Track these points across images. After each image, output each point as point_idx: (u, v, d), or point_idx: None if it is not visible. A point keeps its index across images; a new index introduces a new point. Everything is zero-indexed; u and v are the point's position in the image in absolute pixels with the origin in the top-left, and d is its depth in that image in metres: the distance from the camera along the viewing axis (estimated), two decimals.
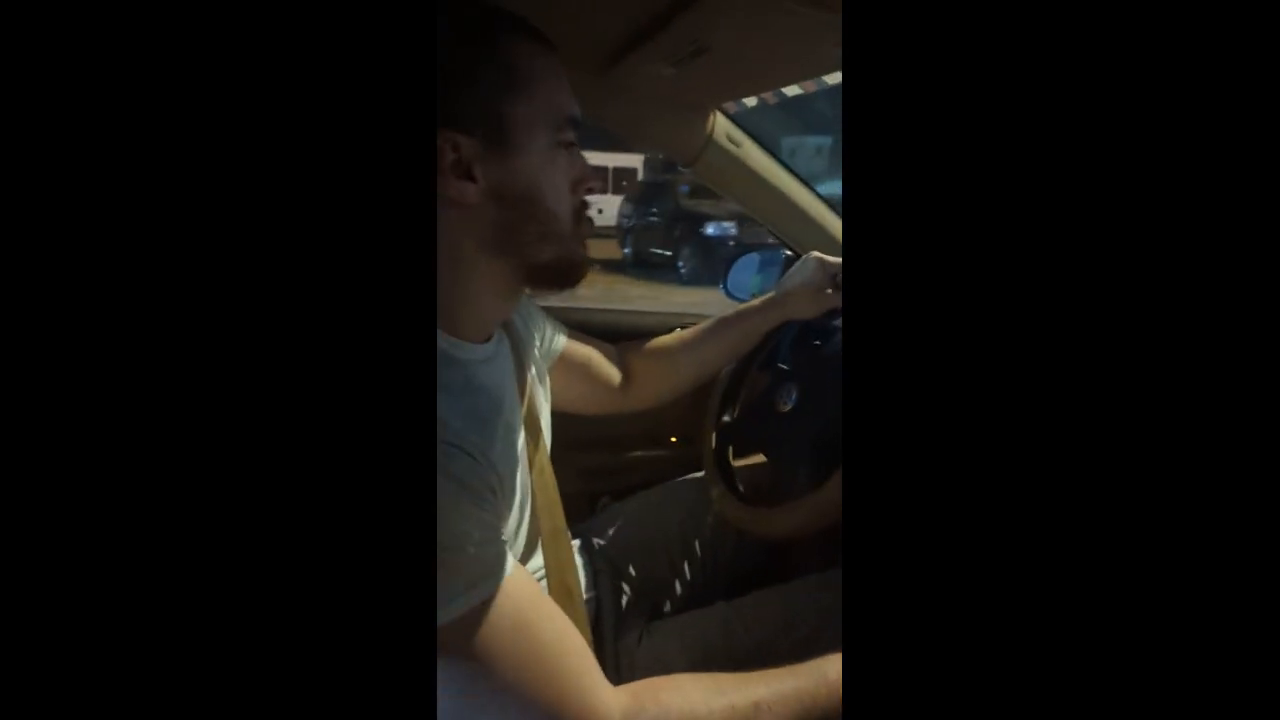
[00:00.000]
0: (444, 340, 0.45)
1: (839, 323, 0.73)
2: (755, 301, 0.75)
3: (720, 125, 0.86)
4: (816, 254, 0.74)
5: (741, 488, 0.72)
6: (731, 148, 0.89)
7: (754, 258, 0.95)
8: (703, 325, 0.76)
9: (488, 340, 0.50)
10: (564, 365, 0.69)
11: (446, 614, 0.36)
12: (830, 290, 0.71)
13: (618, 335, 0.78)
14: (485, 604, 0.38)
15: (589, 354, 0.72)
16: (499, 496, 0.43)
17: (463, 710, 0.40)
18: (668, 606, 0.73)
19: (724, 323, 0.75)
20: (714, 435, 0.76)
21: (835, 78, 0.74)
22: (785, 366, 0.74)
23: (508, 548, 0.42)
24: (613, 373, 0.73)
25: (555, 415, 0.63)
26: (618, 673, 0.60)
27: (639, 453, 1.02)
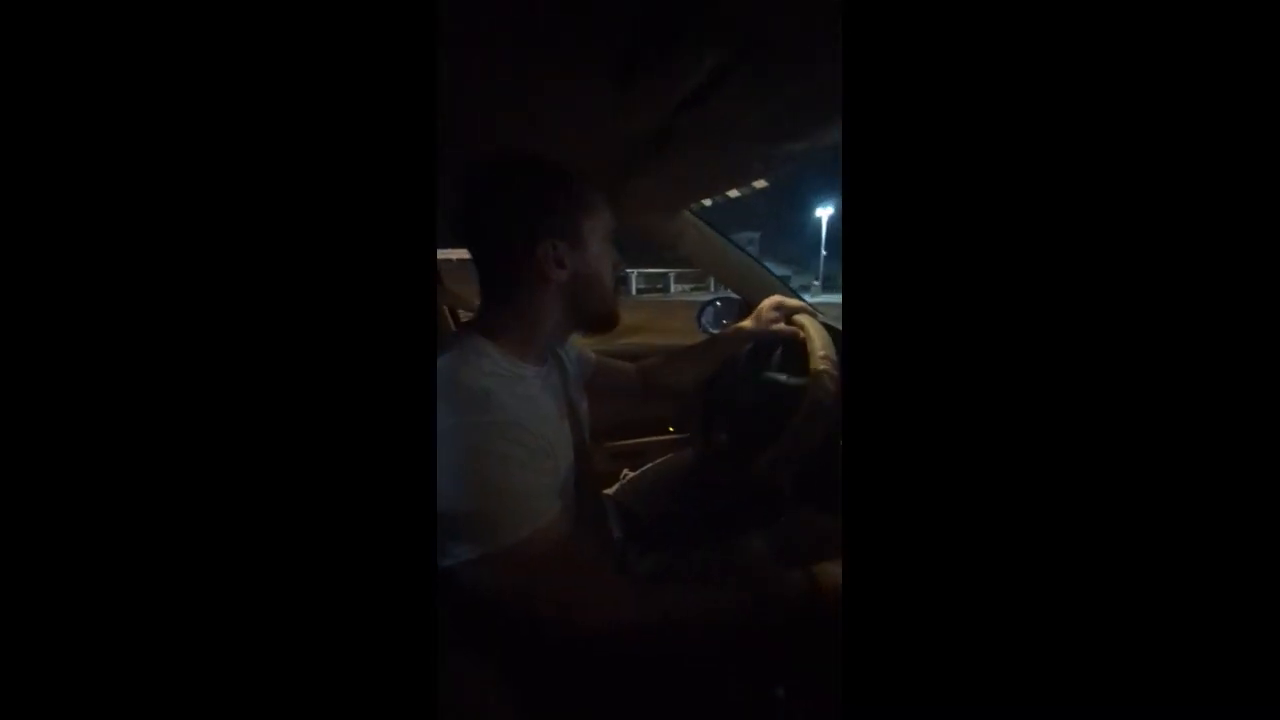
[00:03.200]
0: (515, 364, 0.61)
1: (781, 345, 0.98)
2: (731, 328, 0.99)
3: (689, 219, 1.23)
4: (777, 296, 0.98)
5: (716, 448, 1.00)
6: (697, 234, 1.24)
7: (718, 302, 1.29)
8: (698, 344, 1.02)
9: (544, 365, 0.67)
10: (601, 375, 0.93)
11: (517, 535, 0.49)
12: (781, 321, 0.94)
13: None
14: (545, 527, 0.51)
15: (617, 366, 0.99)
16: (553, 463, 0.57)
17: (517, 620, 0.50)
18: (672, 538, 0.91)
19: (713, 341, 1.01)
20: (701, 419, 1.06)
21: (760, 183, 0.99)
22: (744, 374, 1.03)
23: (560, 500, 0.56)
24: (635, 376, 1.01)
25: (599, 412, 0.83)
26: (634, 588, 0.68)
27: (648, 439, 1.33)
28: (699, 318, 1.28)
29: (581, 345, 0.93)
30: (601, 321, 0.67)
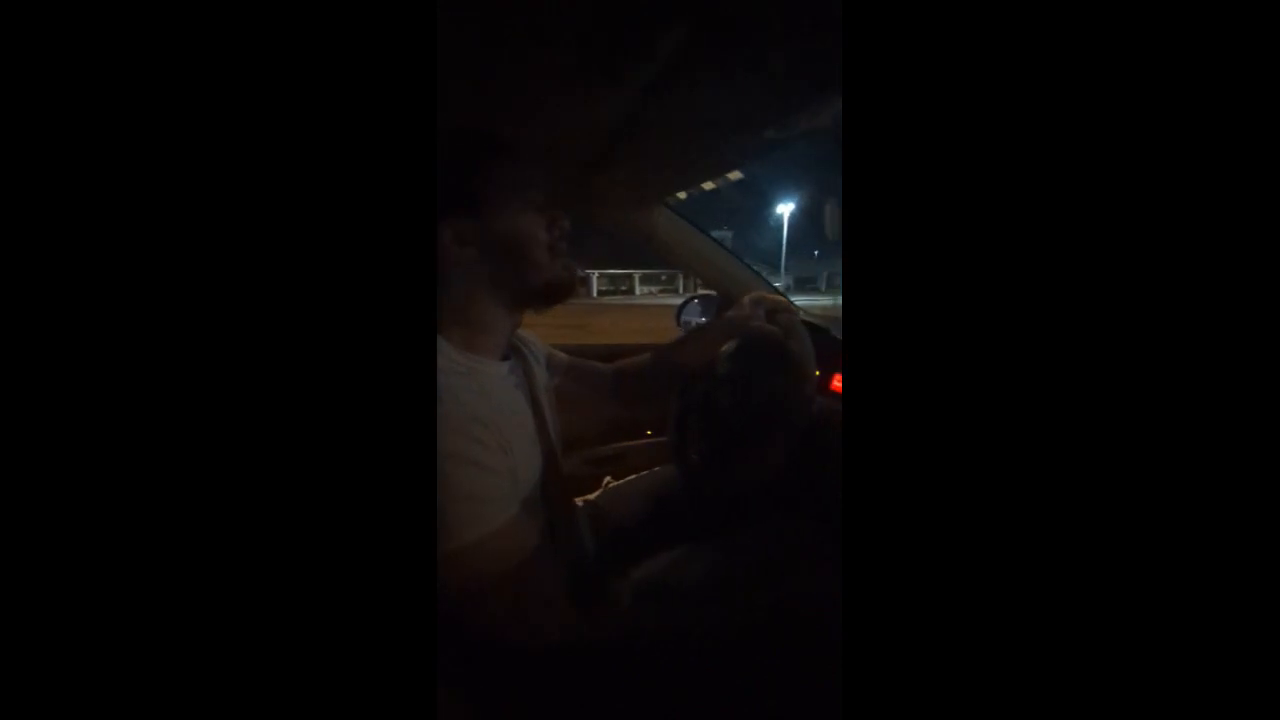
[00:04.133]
0: (470, 358, 0.57)
1: (762, 345, 0.95)
2: (709, 324, 0.95)
3: (663, 213, 1.21)
4: (758, 292, 0.92)
5: (693, 458, 0.95)
6: (671, 228, 1.22)
7: (697, 298, 1.28)
8: (675, 341, 0.96)
9: (505, 360, 0.63)
10: (572, 377, 0.89)
11: (459, 539, 0.46)
12: (762, 319, 0.89)
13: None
14: (493, 534, 0.48)
15: (589, 368, 0.94)
16: (511, 464, 0.54)
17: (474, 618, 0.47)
18: (650, 547, 0.89)
19: (690, 338, 0.96)
20: (675, 422, 1.01)
21: (735, 175, 1.00)
22: (722, 375, 0.98)
23: (520, 504, 0.52)
24: (608, 376, 0.94)
25: (570, 416, 0.81)
26: (595, 608, 0.67)
27: (625, 443, 1.30)
28: (679, 315, 1.26)
29: (551, 347, 0.90)
30: (544, 292, 0.61)
